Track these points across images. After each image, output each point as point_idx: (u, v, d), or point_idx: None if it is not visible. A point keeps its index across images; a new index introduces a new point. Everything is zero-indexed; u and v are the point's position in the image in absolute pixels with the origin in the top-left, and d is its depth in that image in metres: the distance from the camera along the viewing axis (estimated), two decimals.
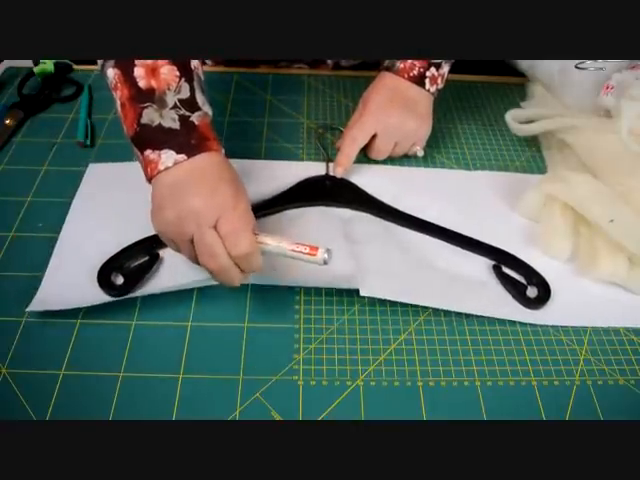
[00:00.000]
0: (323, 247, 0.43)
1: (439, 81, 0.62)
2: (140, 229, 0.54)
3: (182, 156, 0.44)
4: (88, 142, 0.64)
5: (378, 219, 0.58)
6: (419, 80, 0.61)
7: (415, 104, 0.62)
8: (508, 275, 0.53)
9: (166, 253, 0.53)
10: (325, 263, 0.43)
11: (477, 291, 0.52)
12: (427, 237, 0.56)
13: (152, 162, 0.44)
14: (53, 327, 0.48)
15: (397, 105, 0.61)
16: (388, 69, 0.62)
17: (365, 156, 0.64)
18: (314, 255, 0.43)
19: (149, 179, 0.46)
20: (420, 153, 0.63)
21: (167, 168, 0.44)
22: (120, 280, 0.50)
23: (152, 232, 0.53)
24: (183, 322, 0.49)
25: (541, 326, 0.50)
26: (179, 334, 0.48)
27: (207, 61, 0.78)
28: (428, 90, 0.62)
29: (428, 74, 0.61)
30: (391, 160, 0.64)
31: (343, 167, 0.61)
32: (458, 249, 0.55)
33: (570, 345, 0.49)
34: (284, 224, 0.56)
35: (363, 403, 0.44)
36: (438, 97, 0.63)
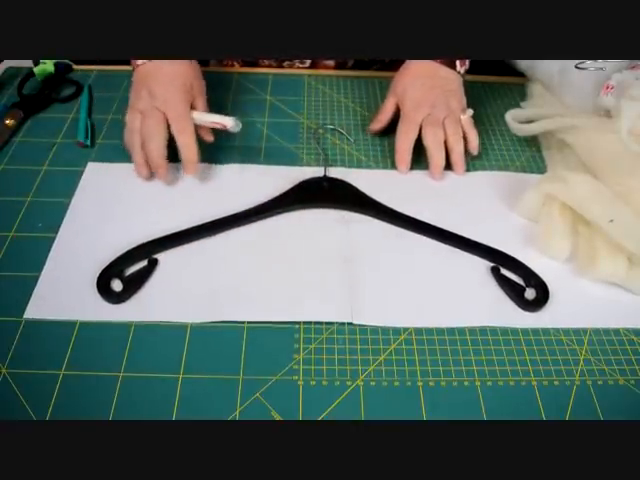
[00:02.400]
0: (231, 119, 0.59)
1: (466, 63, 0.65)
2: (138, 231, 0.54)
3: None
4: (88, 142, 0.64)
5: (374, 226, 0.57)
6: (450, 63, 0.64)
7: (447, 82, 0.64)
8: (506, 277, 0.52)
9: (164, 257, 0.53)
10: (235, 129, 0.59)
11: (474, 301, 0.51)
12: (422, 243, 0.55)
13: (135, 63, 0.61)
14: (53, 327, 0.48)
15: (434, 87, 0.63)
16: None
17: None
18: (226, 128, 0.59)
19: (133, 70, 0.61)
20: (470, 112, 0.64)
21: (143, 63, 0.60)
22: (119, 287, 0.50)
23: (150, 235, 0.53)
24: (183, 322, 0.49)
25: (541, 326, 0.50)
26: (179, 334, 0.48)
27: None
28: (459, 72, 0.65)
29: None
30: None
31: (405, 163, 0.62)
32: (456, 250, 0.55)
33: (570, 345, 0.49)
34: (283, 227, 0.56)
35: (363, 403, 0.44)
36: (464, 81, 0.66)
